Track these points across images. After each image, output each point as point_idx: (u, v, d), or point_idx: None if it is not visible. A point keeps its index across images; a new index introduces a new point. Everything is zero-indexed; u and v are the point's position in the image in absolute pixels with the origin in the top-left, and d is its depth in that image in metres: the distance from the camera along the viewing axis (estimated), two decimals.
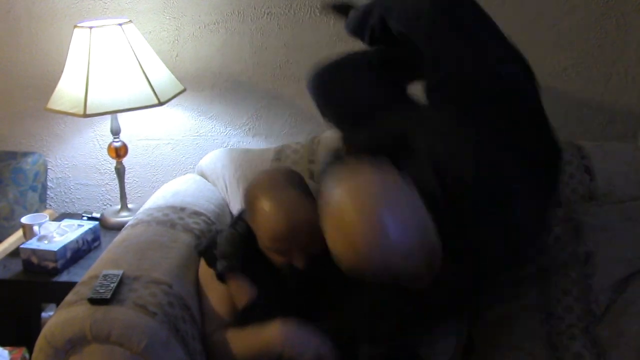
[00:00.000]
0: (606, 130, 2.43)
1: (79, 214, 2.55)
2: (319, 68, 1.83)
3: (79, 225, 2.24)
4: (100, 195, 2.72)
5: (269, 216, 1.53)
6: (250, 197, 1.61)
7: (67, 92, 2.22)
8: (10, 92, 2.61)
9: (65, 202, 2.73)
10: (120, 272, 1.56)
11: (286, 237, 1.52)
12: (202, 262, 1.70)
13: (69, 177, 2.70)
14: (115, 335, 1.39)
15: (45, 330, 1.42)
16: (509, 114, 1.43)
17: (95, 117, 2.29)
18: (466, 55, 1.47)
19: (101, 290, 1.48)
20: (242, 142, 2.60)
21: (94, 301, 1.46)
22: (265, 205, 1.54)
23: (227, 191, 2.09)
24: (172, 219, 1.86)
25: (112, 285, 1.50)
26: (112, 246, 1.77)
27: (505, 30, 2.35)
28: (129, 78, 2.20)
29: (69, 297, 1.52)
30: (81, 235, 2.19)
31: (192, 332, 1.54)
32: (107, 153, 2.44)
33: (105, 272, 1.56)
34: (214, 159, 2.16)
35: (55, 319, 1.43)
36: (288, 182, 1.59)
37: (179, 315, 1.52)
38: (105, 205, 2.72)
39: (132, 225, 1.85)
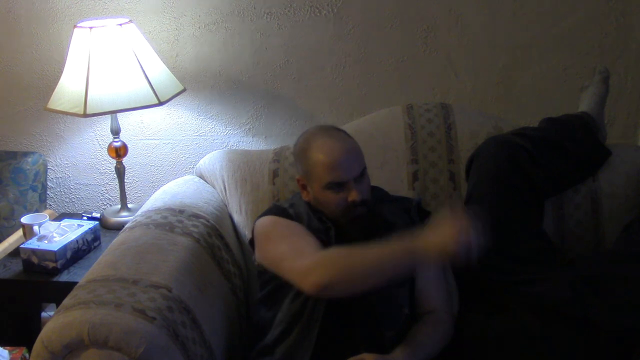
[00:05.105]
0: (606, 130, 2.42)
1: (79, 213, 2.55)
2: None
3: (79, 225, 2.24)
4: (100, 195, 2.72)
5: (326, 146, 1.65)
6: (303, 143, 1.72)
7: (67, 91, 2.21)
8: (10, 92, 2.61)
9: (65, 202, 2.74)
10: None
11: (344, 161, 1.63)
12: (265, 220, 1.73)
13: (69, 177, 2.70)
14: (113, 340, 1.38)
15: (42, 335, 1.41)
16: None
17: (95, 117, 2.30)
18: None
19: None
20: (242, 142, 2.60)
21: None
22: (321, 139, 1.68)
23: (226, 193, 2.08)
24: (170, 221, 1.84)
25: None
26: (110, 249, 1.75)
27: (506, 30, 2.37)
28: (129, 78, 2.19)
29: (67, 301, 1.51)
30: (81, 235, 2.19)
31: (192, 336, 1.54)
32: (107, 153, 2.44)
33: None
34: (212, 160, 2.15)
35: (52, 324, 1.42)
36: (334, 128, 1.76)
37: (178, 320, 1.51)
38: (105, 205, 2.72)
39: (130, 228, 1.84)
